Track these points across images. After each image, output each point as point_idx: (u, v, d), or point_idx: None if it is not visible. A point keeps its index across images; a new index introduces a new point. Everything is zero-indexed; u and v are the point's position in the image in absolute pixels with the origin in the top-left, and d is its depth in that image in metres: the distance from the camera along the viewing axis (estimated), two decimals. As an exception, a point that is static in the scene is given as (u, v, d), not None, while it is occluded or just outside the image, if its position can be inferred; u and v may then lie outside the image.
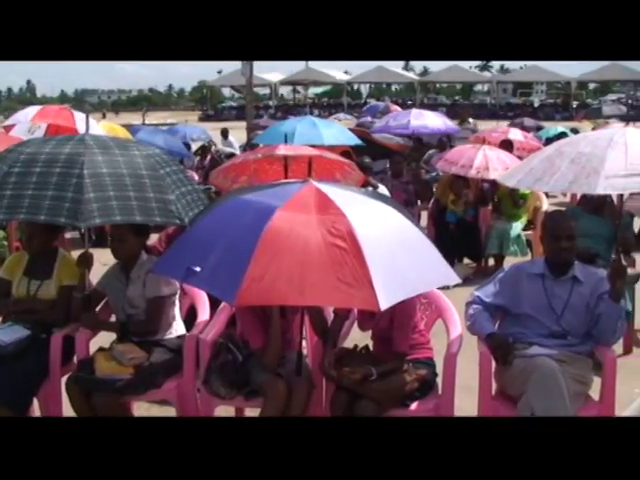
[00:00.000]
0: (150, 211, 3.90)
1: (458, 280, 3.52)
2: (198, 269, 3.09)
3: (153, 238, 5.00)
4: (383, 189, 8.18)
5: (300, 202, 3.18)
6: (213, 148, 15.59)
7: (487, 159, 8.17)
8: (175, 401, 4.10)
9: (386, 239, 3.18)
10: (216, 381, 3.80)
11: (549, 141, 11.80)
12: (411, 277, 3.17)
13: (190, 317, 4.37)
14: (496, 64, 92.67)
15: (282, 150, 6.41)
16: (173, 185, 4.06)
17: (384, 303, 2.88)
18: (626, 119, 23.35)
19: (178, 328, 4.27)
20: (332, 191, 3.29)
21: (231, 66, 48.04)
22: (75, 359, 4.17)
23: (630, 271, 4.91)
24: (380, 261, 3.00)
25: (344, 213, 3.10)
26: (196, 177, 10.51)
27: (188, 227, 3.77)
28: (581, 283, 3.90)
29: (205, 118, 49.20)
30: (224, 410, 4.16)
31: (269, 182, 4.78)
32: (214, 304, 4.31)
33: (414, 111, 13.44)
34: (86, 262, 4.23)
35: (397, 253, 3.17)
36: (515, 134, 11.89)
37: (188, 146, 15.21)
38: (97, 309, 4.33)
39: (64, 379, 4.07)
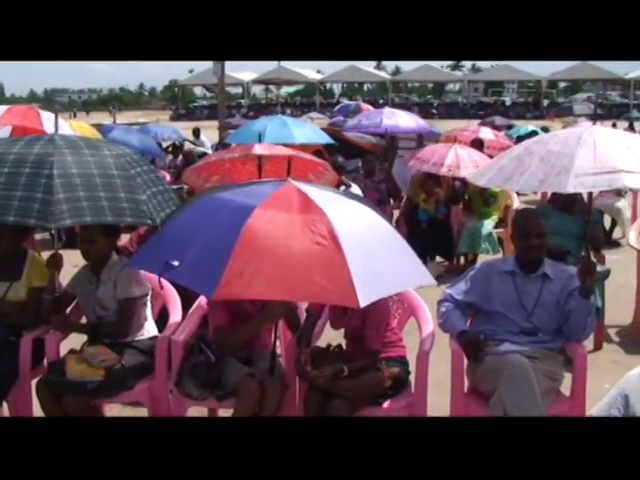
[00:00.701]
0: (121, 211, 3.86)
1: (433, 281, 3.53)
2: (176, 263, 3.07)
3: (124, 238, 4.95)
4: (356, 188, 8.19)
5: (280, 201, 3.17)
6: (186, 146, 15.52)
7: (458, 157, 8.22)
8: (147, 403, 4.07)
9: (365, 239, 3.19)
10: (188, 382, 3.77)
11: (520, 139, 11.90)
12: (389, 276, 3.19)
13: (162, 318, 4.35)
14: (467, 63, 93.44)
15: (257, 149, 6.38)
16: (144, 185, 4.02)
17: (363, 300, 2.90)
18: (594, 118, 23.68)
19: (150, 329, 4.24)
20: (312, 191, 3.29)
21: (203, 65, 47.63)
22: (45, 362, 4.11)
23: (600, 268, 4.97)
24: (360, 260, 3.01)
25: (324, 212, 3.11)
26: (167, 177, 10.45)
27: (161, 226, 3.73)
28: (551, 280, 3.94)
29: (177, 117, 48.99)
30: (197, 411, 4.14)
31: (242, 182, 4.75)
32: (186, 305, 4.29)
33: (386, 110, 13.46)
34: (56, 263, 4.18)
35: (376, 252, 3.18)
36: (486, 133, 12.02)
37: (159, 146, 15.10)
38: (67, 311, 4.28)
39: (34, 382, 4.02)
